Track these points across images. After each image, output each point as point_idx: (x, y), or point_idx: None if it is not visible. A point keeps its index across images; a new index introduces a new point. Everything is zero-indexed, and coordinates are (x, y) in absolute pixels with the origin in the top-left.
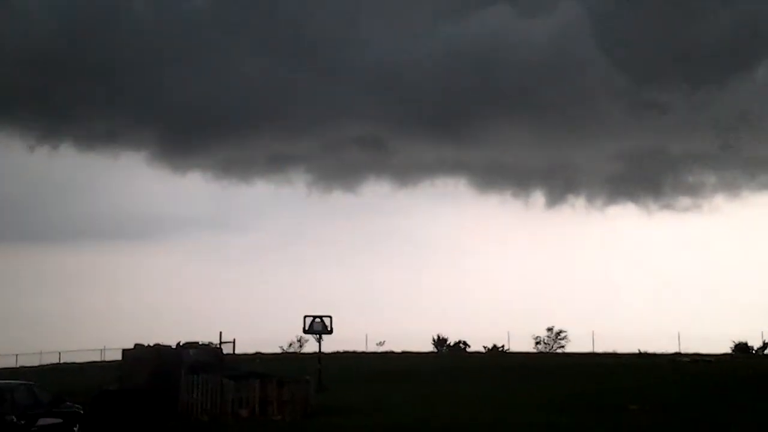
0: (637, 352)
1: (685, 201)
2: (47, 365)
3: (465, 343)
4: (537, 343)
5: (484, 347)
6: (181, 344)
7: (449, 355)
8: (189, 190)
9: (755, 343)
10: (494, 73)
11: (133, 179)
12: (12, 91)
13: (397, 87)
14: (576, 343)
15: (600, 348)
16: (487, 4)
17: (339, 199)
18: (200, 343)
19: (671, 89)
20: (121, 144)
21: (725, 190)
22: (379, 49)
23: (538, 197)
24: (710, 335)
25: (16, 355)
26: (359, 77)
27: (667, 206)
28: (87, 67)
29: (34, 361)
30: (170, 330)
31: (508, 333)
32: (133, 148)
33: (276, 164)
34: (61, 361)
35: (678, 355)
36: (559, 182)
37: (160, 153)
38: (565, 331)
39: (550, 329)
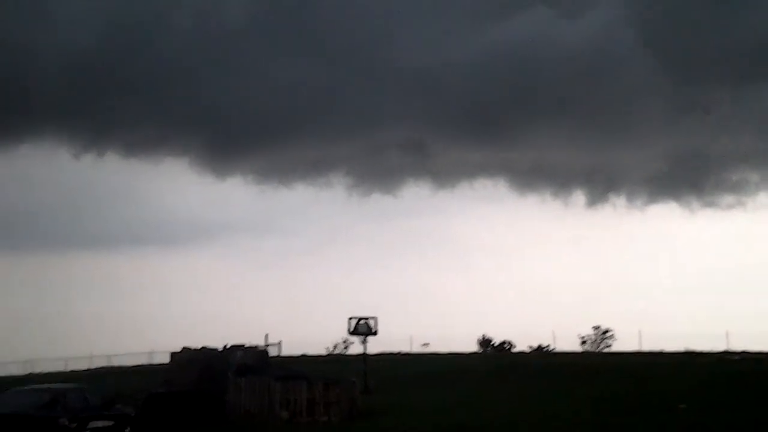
0: (684, 350)
1: (728, 198)
2: (97, 369)
3: (510, 343)
4: (583, 342)
5: (530, 347)
6: (228, 347)
7: (494, 355)
8: (232, 194)
9: None
10: (535, 75)
11: (177, 185)
12: (57, 100)
13: (438, 90)
14: (622, 342)
15: (647, 347)
16: (526, 6)
17: (379, 202)
18: (247, 345)
19: (714, 88)
20: (165, 151)
21: None
22: (419, 53)
23: (579, 197)
24: (759, 333)
25: (66, 359)
26: (399, 80)
27: (711, 204)
28: (130, 76)
29: (84, 365)
30: (217, 333)
31: (554, 332)
32: (176, 155)
33: (317, 168)
34: (111, 365)
35: (726, 353)
36: (600, 182)
37: (202, 159)
38: (611, 330)
39: (596, 328)
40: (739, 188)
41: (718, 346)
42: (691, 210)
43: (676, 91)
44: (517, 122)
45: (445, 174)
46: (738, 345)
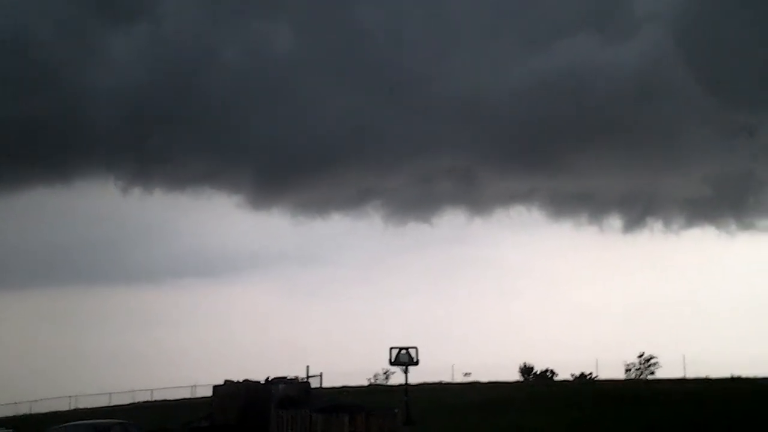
0: (730, 376)
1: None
2: (140, 403)
3: (552, 372)
4: (627, 369)
5: (572, 375)
6: (269, 379)
7: (536, 383)
8: (273, 226)
9: None
10: (581, 101)
11: (220, 219)
12: (107, 136)
13: (482, 118)
14: (667, 369)
15: (691, 373)
16: (571, 33)
17: (415, 230)
18: (288, 377)
19: (759, 112)
20: (209, 185)
21: None
22: (464, 81)
23: (621, 222)
24: None
25: (110, 394)
26: (443, 109)
27: (749, 227)
28: (178, 113)
29: (127, 399)
30: (258, 365)
31: (597, 360)
32: (220, 189)
33: (358, 199)
34: (154, 399)
35: None
36: (639, 207)
37: (247, 193)
38: (655, 357)
39: (640, 356)
40: None
41: (763, 371)
42: (729, 233)
43: (720, 114)
44: (562, 149)
45: (483, 201)
46: None
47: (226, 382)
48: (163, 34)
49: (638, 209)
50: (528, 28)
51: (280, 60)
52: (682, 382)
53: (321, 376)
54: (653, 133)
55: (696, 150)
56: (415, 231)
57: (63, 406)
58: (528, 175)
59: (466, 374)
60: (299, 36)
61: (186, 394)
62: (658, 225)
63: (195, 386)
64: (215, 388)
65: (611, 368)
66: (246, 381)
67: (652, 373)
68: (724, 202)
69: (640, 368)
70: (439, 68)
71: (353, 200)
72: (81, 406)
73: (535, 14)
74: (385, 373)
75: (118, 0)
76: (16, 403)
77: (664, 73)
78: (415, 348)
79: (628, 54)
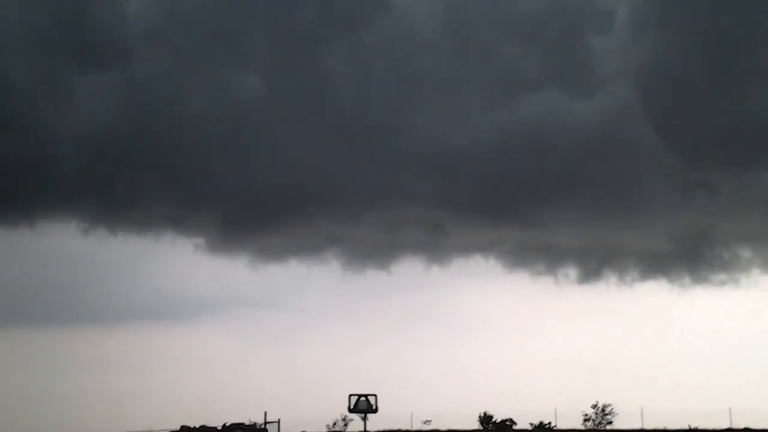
0: (687, 428)
1: (720, 275)
2: None
3: (512, 420)
4: (586, 419)
5: (531, 424)
6: (226, 425)
7: None
8: (234, 271)
9: None
10: (544, 155)
11: (182, 263)
12: (72, 179)
13: (446, 172)
14: (624, 419)
15: (649, 423)
16: (536, 88)
17: (375, 277)
18: (246, 423)
19: (717, 171)
20: (175, 230)
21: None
22: (430, 135)
23: (578, 275)
24: (763, 409)
25: None
26: (408, 162)
27: (703, 280)
28: (143, 157)
29: None
30: (215, 410)
31: (555, 409)
32: (184, 233)
33: (320, 245)
34: None
35: (729, 430)
36: (601, 259)
37: (211, 238)
38: (610, 405)
39: (594, 405)
40: (731, 265)
41: (720, 422)
42: (682, 286)
43: (681, 172)
44: (524, 202)
45: (443, 251)
46: (741, 422)
47: (183, 427)
48: (131, 80)
49: (595, 261)
50: (493, 83)
51: (247, 107)
52: None
53: (279, 422)
54: (614, 187)
55: (656, 205)
56: (374, 278)
57: None
58: (489, 227)
59: (425, 422)
60: (267, 84)
61: None
62: (613, 277)
63: (150, 431)
64: None
65: (570, 418)
66: (203, 427)
67: (610, 422)
68: (679, 257)
69: (597, 418)
70: (406, 120)
71: (313, 247)
72: None
73: (500, 70)
74: (344, 419)
75: (88, 46)
76: None
77: (627, 130)
78: (375, 395)
79: (591, 110)
